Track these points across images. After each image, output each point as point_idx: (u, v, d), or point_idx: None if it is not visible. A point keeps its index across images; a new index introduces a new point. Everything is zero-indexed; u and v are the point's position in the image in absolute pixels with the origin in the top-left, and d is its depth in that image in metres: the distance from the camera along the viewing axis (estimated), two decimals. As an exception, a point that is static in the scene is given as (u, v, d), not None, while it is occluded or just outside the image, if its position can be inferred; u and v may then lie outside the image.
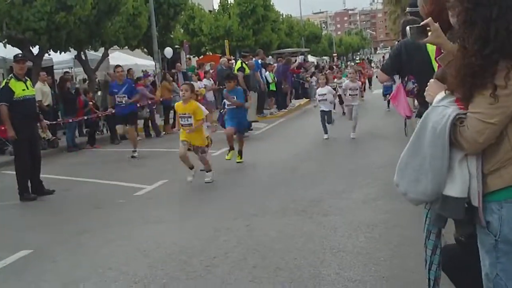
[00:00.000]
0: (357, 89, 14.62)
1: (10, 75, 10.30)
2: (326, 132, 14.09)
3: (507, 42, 2.49)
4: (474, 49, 2.53)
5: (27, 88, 9.85)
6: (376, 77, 26.86)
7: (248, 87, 17.46)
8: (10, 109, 9.64)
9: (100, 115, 17.29)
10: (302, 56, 31.68)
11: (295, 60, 27.19)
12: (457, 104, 2.66)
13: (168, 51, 26.42)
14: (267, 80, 22.19)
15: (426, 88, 3.01)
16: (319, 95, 14.60)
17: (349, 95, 14.40)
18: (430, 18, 3.09)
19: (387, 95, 15.45)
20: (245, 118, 11.96)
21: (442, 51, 3.08)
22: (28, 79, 10.20)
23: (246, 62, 19.21)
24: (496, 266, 2.67)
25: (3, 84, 10.04)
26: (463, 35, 2.60)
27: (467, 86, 2.57)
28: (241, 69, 18.59)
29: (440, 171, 2.68)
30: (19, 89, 9.70)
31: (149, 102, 17.88)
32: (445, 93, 2.76)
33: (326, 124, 14.15)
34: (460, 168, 2.68)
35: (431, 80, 3.02)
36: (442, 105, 2.70)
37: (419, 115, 9.14)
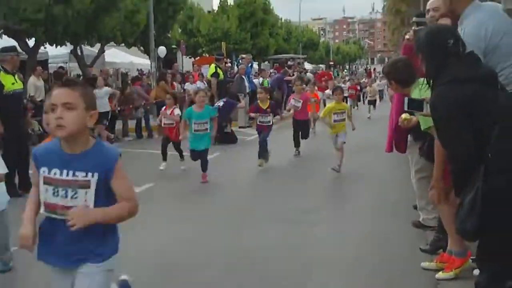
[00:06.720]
0: None
1: None
2: None
3: None
4: None
5: (16, 82, 9.36)
6: None
7: (237, 91, 17.13)
8: None
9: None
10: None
11: (293, 70, 26.57)
12: None
13: (162, 50, 25.93)
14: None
15: None
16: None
17: None
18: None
19: None
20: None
21: None
22: (16, 72, 9.57)
23: (220, 66, 17.76)
24: None
25: None
26: None
27: None
28: (215, 74, 17.22)
29: None
30: (9, 83, 9.16)
31: (143, 102, 17.62)
32: None
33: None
34: None
35: None
36: None
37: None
